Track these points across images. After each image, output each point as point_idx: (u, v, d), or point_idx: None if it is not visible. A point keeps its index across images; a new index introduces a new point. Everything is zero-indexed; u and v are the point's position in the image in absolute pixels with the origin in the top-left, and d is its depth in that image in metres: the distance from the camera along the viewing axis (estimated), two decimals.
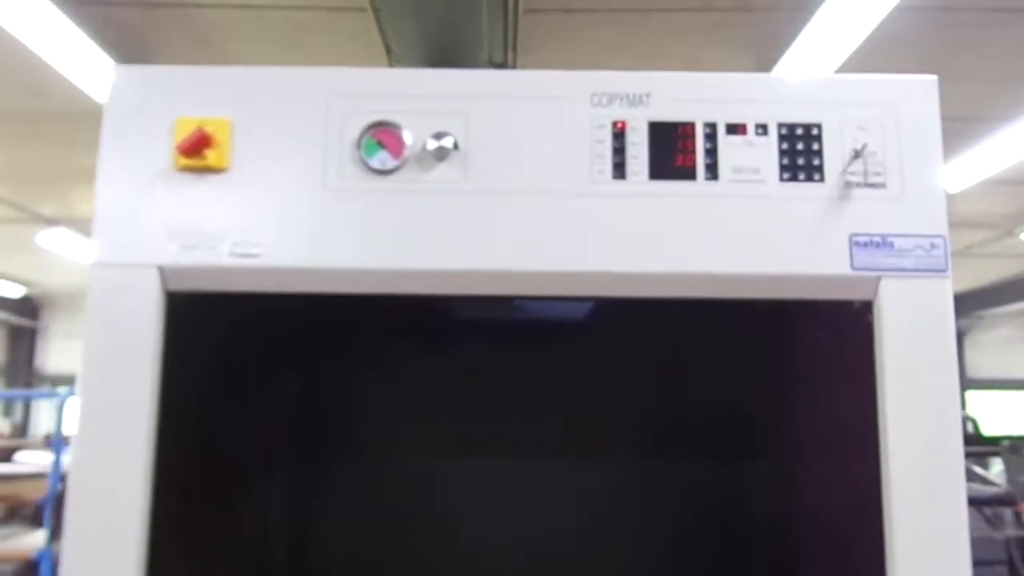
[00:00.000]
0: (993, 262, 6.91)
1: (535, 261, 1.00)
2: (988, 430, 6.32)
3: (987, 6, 3.19)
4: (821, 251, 1.00)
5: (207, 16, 3.23)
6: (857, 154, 1.02)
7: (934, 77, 1.05)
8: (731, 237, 1.00)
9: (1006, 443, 4.83)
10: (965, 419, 6.19)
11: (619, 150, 1.02)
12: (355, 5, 3.08)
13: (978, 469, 5.26)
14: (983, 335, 8.51)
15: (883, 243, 1.00)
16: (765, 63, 3.62)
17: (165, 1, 3.15)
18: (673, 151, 1.03)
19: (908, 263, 1.00)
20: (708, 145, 1.03)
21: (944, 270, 1.00)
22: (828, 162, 1.02)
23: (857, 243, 1.00)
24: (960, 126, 4.32)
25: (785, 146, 1.03)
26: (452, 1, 2.37)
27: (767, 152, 1.03)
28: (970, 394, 8.44)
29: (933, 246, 1.00)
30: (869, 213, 1.01)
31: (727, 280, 1.00)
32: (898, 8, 2.99)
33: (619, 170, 1.02)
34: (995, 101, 4.04)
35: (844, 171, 1.02)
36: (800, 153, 1.02)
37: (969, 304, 7.79)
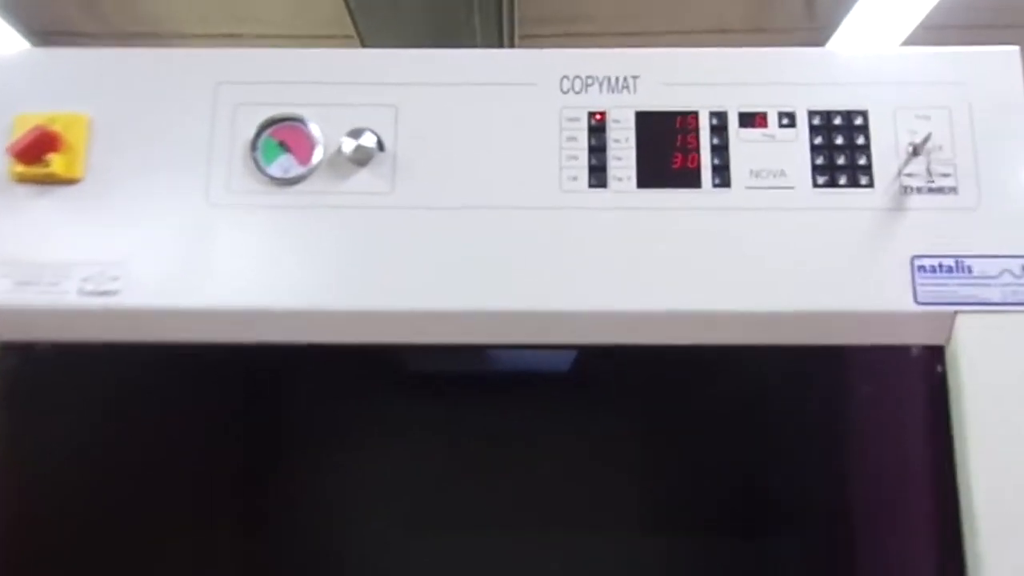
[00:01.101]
0: None
1: (484, 298, 0.74)
2: None
3: (1002, 21, 2.93)
4: (872, 280, 0.73)
5: None
6: (916, 150, 0.76)
7: (1015, 48, 0.79)
8: (748, 263, 0.74)
9: None
10: None
11: (598, 149, 0.77)
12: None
13: None
14: None
15: (957, 268, 0.74)
16: None
17: None
18: (669, 150, 0.77)
19: (993, 294, 0.73)
20: (716, 141, 0.77)
21: None
22: (878, 161, 0.76)
23: (922, 269, 0.74)
24: None
25: (819, 141, 0.77)
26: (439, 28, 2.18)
27: (795, 149, 0.77)
28: None
29: None
30: (936, 228, 0.75)
31: (742, 321, 0.74)
32: (923, 27, 2.74)
33: (598, 176, 0.76)
34: None
35: (900, 173, 0.76)
36: (840, 150, 0.77)
37: None
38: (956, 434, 0.73)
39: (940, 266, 0.74)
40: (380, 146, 0.77)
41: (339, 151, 0.76)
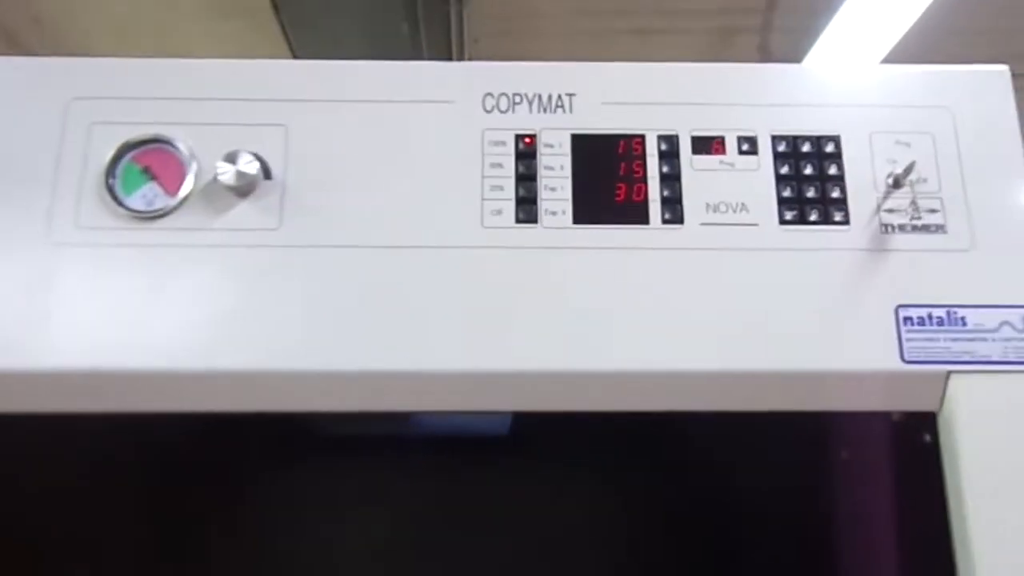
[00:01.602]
0: None
1: (389, 357, 0.61)
2: None
3: None
4: (849, 334, 0.62)
5: None
6: (897, 181, 0.65)
7: (1005, 67, 0.69)
8: (702, 313, 0.62)
9: None
10: None
11: (527, 178, 0.65)
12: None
13: None
14: None
15: (949, 320, 0.62)
16: None
17: None
18: (611, 179, 0.65)
19: (992, 351, 0.62)
20: (666, 169, 0.65)
21: None
22: (853, 194, 0.65)
23: (908, 321, 0.62)
24: None
25: (786, 170, 0.66)
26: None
27: (758, 179, 0.65)
28: None
29: None
30: (923, 273, 0.63)
31: (694, 384, 0.62)
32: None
33: (527, 209, 0.64)
34: None
35: (879, 208, 0.65)
36: (809, 181, 0.65)
37: None
38: (953, 514, 0.61)
39: (929, 317, 0.62)
40: (265, 173, 0.64)
41: (215, 179, 0.63)
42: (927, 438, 0.64)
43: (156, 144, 0.64)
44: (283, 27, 2.45)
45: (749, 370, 0.61)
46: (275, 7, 2.39)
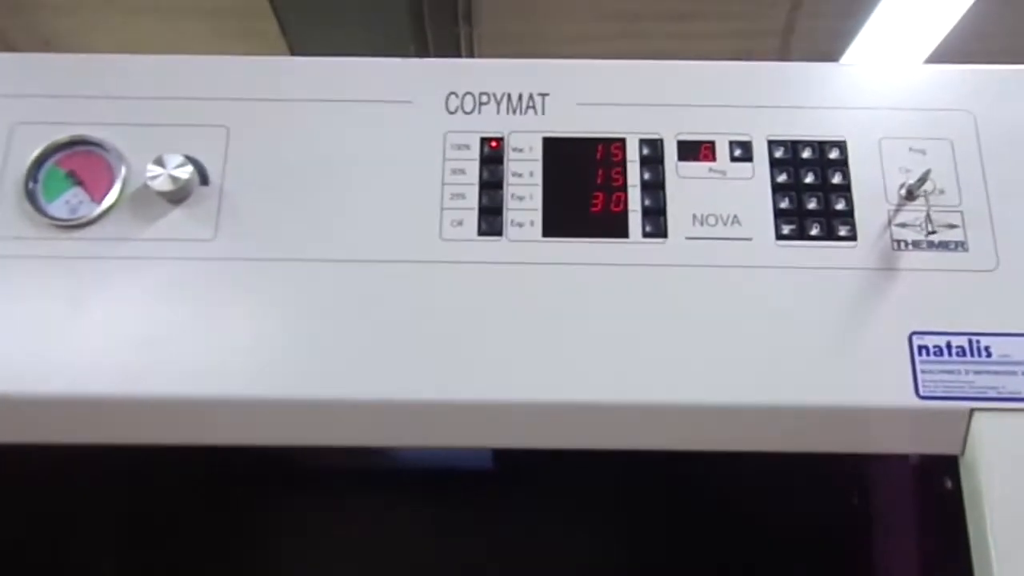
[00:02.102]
0: None
1: (334, 384, 0.54)
2: None
3: None
4: (856, 365, 0.54)
5: None
6: (911, 192, 0.57)
7: None
8: (687, 339, 0.55)
9: None
10: None
11: (492, 186, 0.58)
12: None
13: None
14: None
15: (971, 350, 0.55)
16: None
17: None
18: (586, 188, 0.58)
19: (1022, 385, 0.54)
20: (648, 177, 0.58)
21: None
22: (861, 207, 0.58)
23: (923, 350, 0.54)
24: None
25: (784, 178, 0.58)
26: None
27: (752, 189, 0.58)
28: None
29: None
30: (941, 296, 0.56)
31: (679, 419, 0.54)
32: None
33: (491, 220, 0.57)
34: None
35: (890, 222, 0.57)
36: (811, 191, 0.58)
37: None
38: (978, 570, 0.53)
39: (948, 347, 0.54)
40: (201, 178, 0.58)
41: (145, 185, 0.57)
42: (948, 484, 0.56)
43: (83, 146, 0.58)
44: (292, 53, 2.42)
45: (738, 405, 0.54)
46: (283, 31, 2.36)
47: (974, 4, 2.02)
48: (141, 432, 0.56)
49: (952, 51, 2.24)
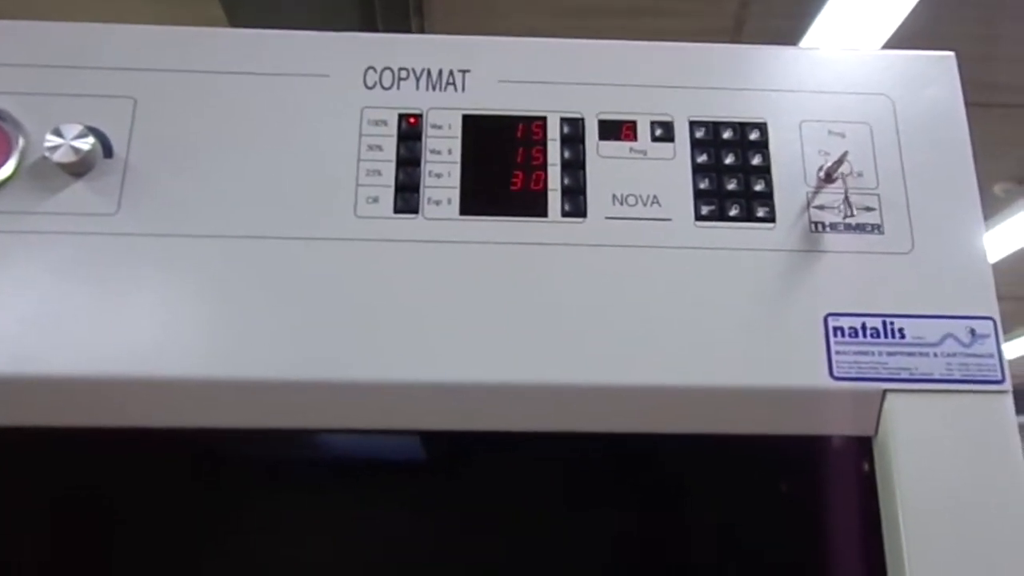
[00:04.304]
0: None
1: (241, 364, 0.52)
2: None
3: None
4: (771, 346, 0.54)
5: None
6: (829, 175, 0.57)
7: (950, 54, 0.62)
8: (604, 319, 0.54)
9: None
10: None
11: (409, 163, 0.57)
12: None
13: None
14: None
15: (885, 331, 0.55)
16: None
17: None
18: (506, 166, 0.57)
19: (934, 366, 0.54)
20: (568, 155, 0.57)
21: (999, 380, 0.54)
22: (780, 188, 0.58)
23: (838, 332, 0.54)
24: None
25: (704, 159, 0.58)
26: None
27: (673, 170, 0.58)
28: None
29: (975, 336, 0.55)
30: (857, 278, 0.56)
31: (593, 399, 0.53)
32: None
33: (408, 198, 0.56)
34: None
35: (808, 204, 0.57)
36: (731, 172, 0.58)
37: None
38: (889, 552, 0.53)
39: (863, 328, 0.55)
40: (105, 150, 0.55)
41: (44, 157, 0.54)
42: (866, 466, 0.56)
43: None
44: None
45: (653, 385, 0.53)
46: (230, 21, 2.31)
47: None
48: (38, 413, 0.54)
49: (904, 45, 2.28)
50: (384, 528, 0.57)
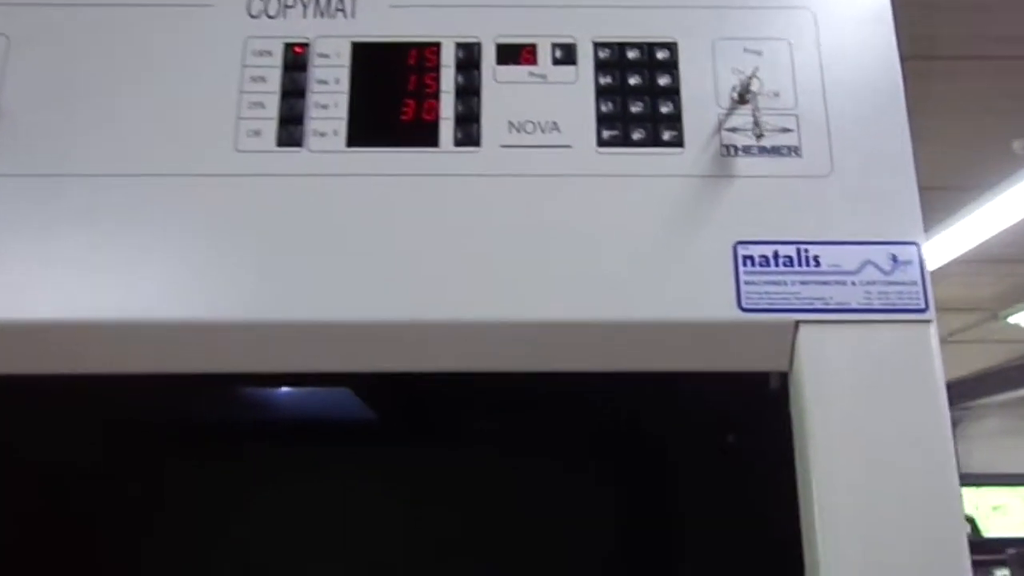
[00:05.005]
0: (979, 348, 6.45)
1: (119, 305, 0.50)
2: (989, 532, 5.69)
3: (947, 53, 2.78)
4: (675, 277, 0.50)
5: None
6: (742, 96, 0.53)
7: None
8: (500, 253, 0.51)
9: (1012, 551, 4.25)
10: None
11: (294, 94, 0.54)
12: None
13: None
14: (973, 428, 7.98)
15: (800, 259, 0.51)
16: None
17: None
18: (397, 95, 0.54)
19: (852, 296, 0.51)
20: (463, 81, 0.54)
21: (923, 308, 0.50)
22: (690, 111, 0.54)
23: (748, 261, 0.51)
24: (930, 197, 3.90)
25: (608, 81, 0.54)
26: None
27: (575, 94, 0.54)
28: (967, 492, 7.84)
29: (897, 262, 0.51)
30: (770, 203, 0.52)
31: (491, 336, 0.50)
32: None
33: (292, 130, 0.53)
34: (964, 167, 3.63)
35: (720, 127, 0.53)
36: (636, 94, 0.54)
37: (956, 396, 7.28)
38: (802, 489, 0.50)
39: (775, 257, 0.51)
40: None
41: None
42: (784, 402, 0.52)
43: None
44: None
45: (553, 321, 0.50)
46: None
47: None
48: None
49: None
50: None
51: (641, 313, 0.50)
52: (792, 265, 0.51)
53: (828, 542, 0.47)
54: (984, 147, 3.47)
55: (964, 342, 6.18)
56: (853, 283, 0.51)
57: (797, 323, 0.50)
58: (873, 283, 0.51)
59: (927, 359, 0.50)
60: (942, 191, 3.84)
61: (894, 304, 0.50)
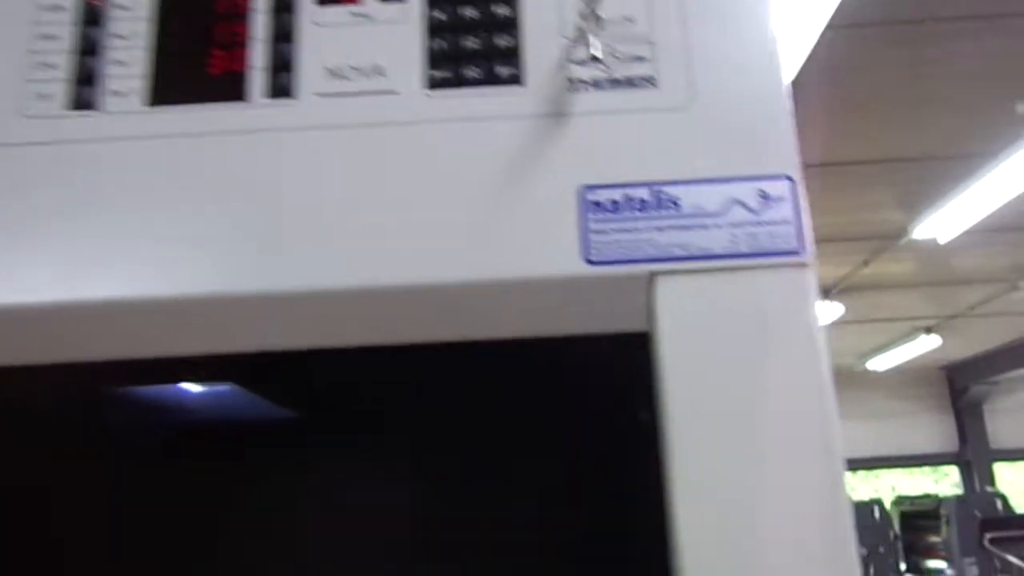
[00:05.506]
0: (1001, 321, 6.30)
1: None
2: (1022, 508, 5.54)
3: (946, 13, 2.69)
4: (515, 232, 0.44)
5: None
6: (589, 23, 0.47)
7: None
8: (321, 213, 0.45)
9: None
10: (994, 496, 5.45)
11: (88, 52, 0.48)
12: None
13: (1014, 559, 4.50)
14: (1003, 402, 7.81)
15: (656, 202, 0.45)
16: None
17: None
18: (204, 47, 0.48)
19: (716, 240, 0.44)
20: (277, 28, 0.48)
21: (797, 250, 0.44)
22: (532, 43, 0.48)
23: (596, 207, 0.44)
24: (936, 166, 3.80)
25: (439, 16, 0.48)
26: None
27: (403, 34, 0.48)
28: (997, 467, 7.66)
29: (768, 199, 0.44)
30: (622, 142, 0.45)
31: (313, 305, 0.44)
32: (832, 28, 2.49)
33: (86, 92, 0.47)
34: (974, 133, 3.53)
35: (564, 59, 0.47)
36: (471, 29, 0.48)
37: (983, 369, 7.11)
38: (666, 479, 0.43)
39: (627, 201, 0.45)
40: None
41: None
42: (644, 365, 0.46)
43: None
44: None
45: (379, 287, 0.44)
46: None
47: None
48: None
49: None
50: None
51: (476, 274, 0.44)
52: (647, 209, 0.44)
53: (691, 525, 0.40)
54: (989, 111, 3.37)
55: (985, 315, 6.03)
56: (717, 226, 0.44)
57: (653, 274, 0.44)
58: (740, 225, 0.44)
59: (804, 308, 0.43)
60: (946, 160, 3.74)
61: (764, 247, 0.44)
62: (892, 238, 4.39)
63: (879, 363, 6.42)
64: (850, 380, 6.61)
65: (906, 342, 5.91)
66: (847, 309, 5.12)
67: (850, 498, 0.42)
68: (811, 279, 0.43)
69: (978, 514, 4.74)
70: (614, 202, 0.44)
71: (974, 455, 6.97)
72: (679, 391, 0.42)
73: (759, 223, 0.44)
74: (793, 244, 0.44)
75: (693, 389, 0.42)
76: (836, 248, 4.44)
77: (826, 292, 4.99)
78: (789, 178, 0.45)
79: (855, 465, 6.52)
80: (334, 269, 0.44)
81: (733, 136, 0.45)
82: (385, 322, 0.45)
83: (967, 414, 7.03)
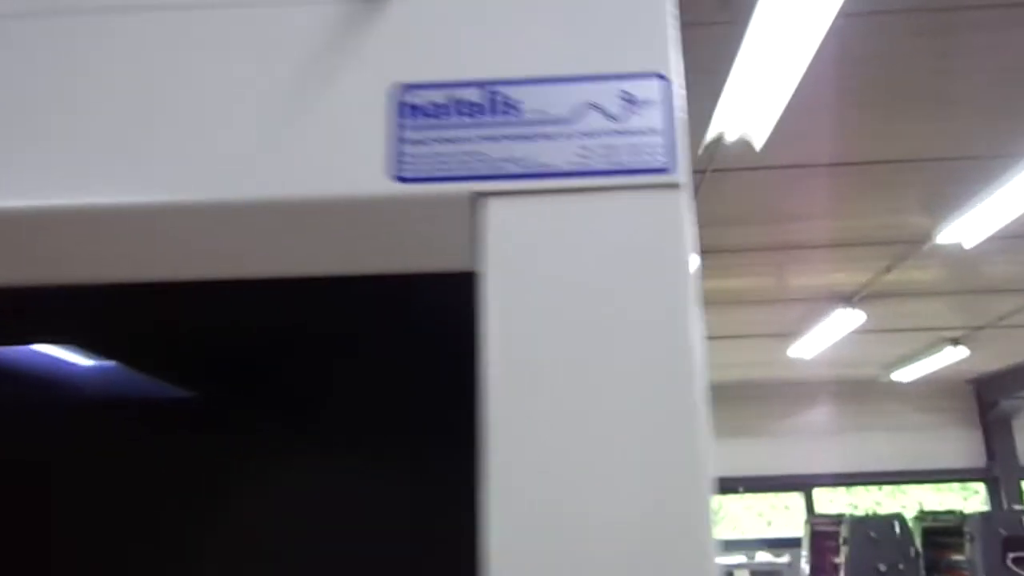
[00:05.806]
0: None
1: None
2: None
3: (975, 2, 2.55)
4: (312, 141, 0.34)
5: None
6: None
7: None
8: (75, 123, 0.35)
9: None
10: (1020, 514, 5.24)
11: None
12: None
13: None
14: None
15: (490, 106, 0.35)
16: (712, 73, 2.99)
17: None
18: None
19: (560, 153, 0.34)
20: None
21: (664, 168, 0.33)
22: None
23: (411, 110, 0.34)
24: (962, 167, 3.65)
25: None
26: None
27: None
28: None
29: (633, 103, 0.34)
30: (447, 31, 0.36)
31: (63, 226, 0.35)
32: (849, 15, 2.37)
33: None
34: (1002, 132, 3.37)
35: None
36: None
37: (1013, 383, 6.87)
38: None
39: (452, 102, 0.35)
40: None
41: None
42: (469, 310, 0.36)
43: None
44: None
45: (143, 205, 0.34)
46: None
47: None
48: None
49: None
50: None
51: (253, 191, 0.34)
52: (477, 115, 0.35)
53: (503, 514, 0.30)
54: (1019, 109, 3.21)
55: (1015, 327, 5.81)
56: (565, 136, 0.34)
57: (480, 195, 0.34)
58: (593, 134, 0.34)
59: (672, 239, 0.33)
60: (973, 160, 3.58)
61: (624, 163, 0.34)
62: (915, 243, 4.23)
63: (904, 374, 6.23)
64: (874, 391, 6.41)
65: (931, 354, 5.72)
66: (869, 317, 4.95)
67: (713, 475, 0.32)
68: (683, 203, 0.33)
69: (1003, 532, 4.56)
70: (436, 105, 0.35)
71: (1002, 471, 6.74)
72: (502, 342, 0.32)
73: (619, 132, 0.34)
74: (661, 159, 0.34)
75: (520, 341, 0.32)
76: (856, 253, 4.29)
77: (847, 299, 4.83)
78: (661, 76, 0.35)
79: (880, 479, 6.33)
80: (92, 183, 0.35)
81: (592, 25, 0.35)
82: (143, 252, 0.36)
83: (995, 429, 6.81)
